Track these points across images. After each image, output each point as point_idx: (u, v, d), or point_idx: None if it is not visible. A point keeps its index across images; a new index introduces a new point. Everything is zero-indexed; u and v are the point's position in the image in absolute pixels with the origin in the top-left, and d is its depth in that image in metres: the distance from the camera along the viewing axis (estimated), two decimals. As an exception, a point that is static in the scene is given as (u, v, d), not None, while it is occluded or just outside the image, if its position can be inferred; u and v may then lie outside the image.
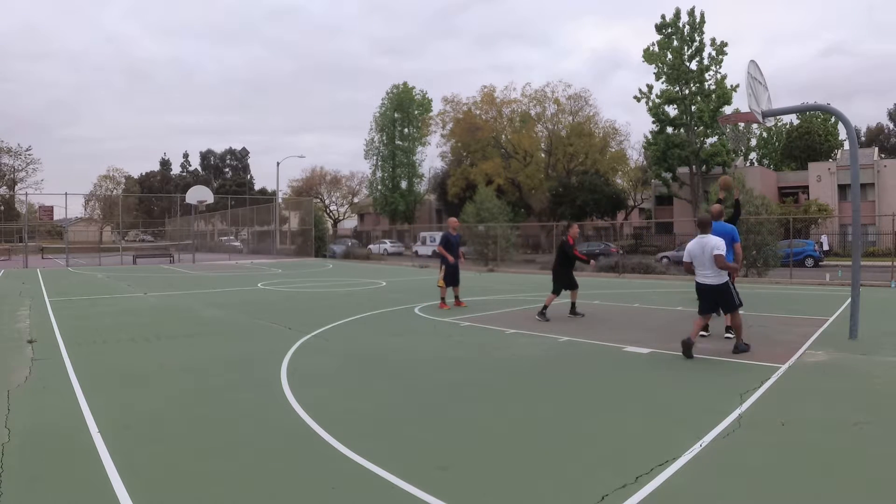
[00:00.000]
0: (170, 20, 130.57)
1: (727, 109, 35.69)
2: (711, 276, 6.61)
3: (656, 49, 37.35)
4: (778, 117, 39.39)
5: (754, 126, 55.01)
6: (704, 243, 6.62)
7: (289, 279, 19.03)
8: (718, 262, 6.47)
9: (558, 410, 4.73)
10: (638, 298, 12.41)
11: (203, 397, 5.12)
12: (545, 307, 9.54)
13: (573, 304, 10.03)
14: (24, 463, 3.56)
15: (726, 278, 6.68)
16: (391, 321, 9.60)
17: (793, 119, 54.67)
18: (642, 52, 37.91)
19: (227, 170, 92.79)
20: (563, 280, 9.85)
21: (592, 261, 9.94)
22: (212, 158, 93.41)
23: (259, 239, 44.80)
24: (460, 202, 37.50)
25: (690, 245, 6.82)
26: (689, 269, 6.92)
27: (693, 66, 36.72)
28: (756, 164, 56.97)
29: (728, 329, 7.50)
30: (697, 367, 6.18)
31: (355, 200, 67.91)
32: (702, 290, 6.77)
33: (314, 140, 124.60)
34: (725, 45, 36.27)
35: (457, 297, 11.46)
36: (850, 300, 7.92)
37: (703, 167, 37.65)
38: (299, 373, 5.93)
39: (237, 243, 46.30)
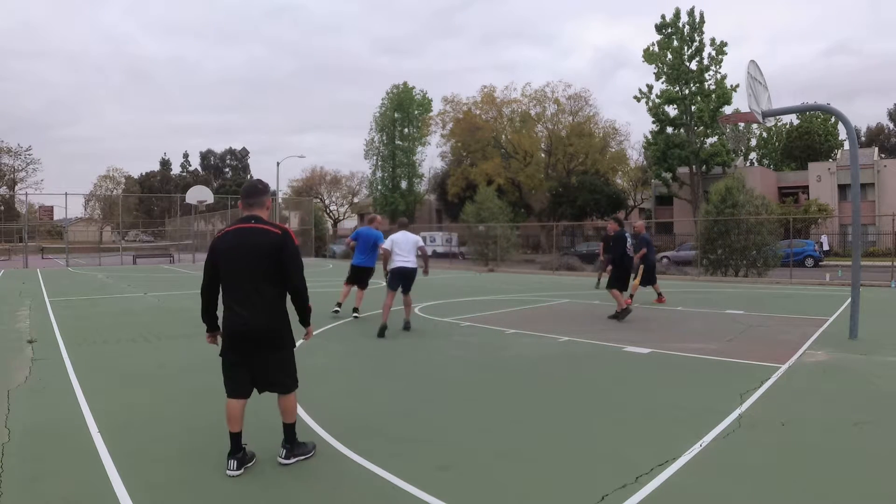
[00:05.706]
0: (169, 19, 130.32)
1: (727, 109, 35.68)
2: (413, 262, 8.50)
3: (656, 49, 37.34)
4: (778, 117, 39.38)
5: (754, 126, 55.04)
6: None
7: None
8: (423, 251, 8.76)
9: (558, 410, 4.73)
10: (638, 298, 12.38)
11: (203, 397, 5.11)
12: None
13: None
14: (24, 463, 3.56)
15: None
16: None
17: (793, 119, 54.70)
18: (642, 53, 37.95)
19: (227, 170, 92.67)
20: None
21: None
22: (212, 158, 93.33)
23: (259, 239, 44.66)
24: (460, 202, 37.47)
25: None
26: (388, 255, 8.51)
27: (693, 66, 36.71)
28: (756, 164, 56.95)
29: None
30: (697, 367, 6.18)
31: (355, 200, 67.82)
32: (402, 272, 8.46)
33: (314, 140, 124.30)
34: (725, 44, 36.28)
35: (659, 294, 12.27)
36: (850, 300, 7.93)
37: (703, 167, 37.65)
38: (299, 373, 5.92)
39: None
